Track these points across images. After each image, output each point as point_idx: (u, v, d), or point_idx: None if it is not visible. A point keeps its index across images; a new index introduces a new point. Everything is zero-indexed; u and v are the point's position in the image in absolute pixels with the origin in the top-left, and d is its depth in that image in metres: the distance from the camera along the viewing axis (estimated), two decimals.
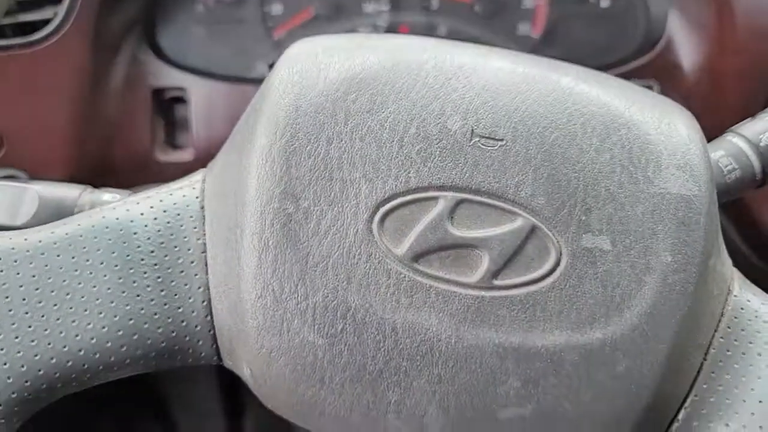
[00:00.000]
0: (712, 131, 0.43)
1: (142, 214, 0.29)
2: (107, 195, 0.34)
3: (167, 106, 0.75)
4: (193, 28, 0.76)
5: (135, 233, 0.28)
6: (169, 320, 0.28)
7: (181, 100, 0.73)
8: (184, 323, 0.28)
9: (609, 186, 0.28)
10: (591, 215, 0.27)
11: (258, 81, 0.75)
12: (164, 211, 0.29)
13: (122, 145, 0.71)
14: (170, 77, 0.72)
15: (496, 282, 0.27)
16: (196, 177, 0.32)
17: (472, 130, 0.27)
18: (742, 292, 0.30)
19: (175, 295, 0.28)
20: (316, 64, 0.29)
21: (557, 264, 0.27)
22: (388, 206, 0.27)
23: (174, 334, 0.28)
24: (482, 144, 0.28)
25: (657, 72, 0.77)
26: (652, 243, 0.27)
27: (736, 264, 0.32)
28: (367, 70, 0.28)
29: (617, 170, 0.28)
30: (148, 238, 0.28)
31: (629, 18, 0.82)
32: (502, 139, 0.27)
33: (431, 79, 0.28)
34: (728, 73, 0.73)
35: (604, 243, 0.27)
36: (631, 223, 0.28)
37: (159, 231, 0.29)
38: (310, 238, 0.27)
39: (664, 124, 0.29)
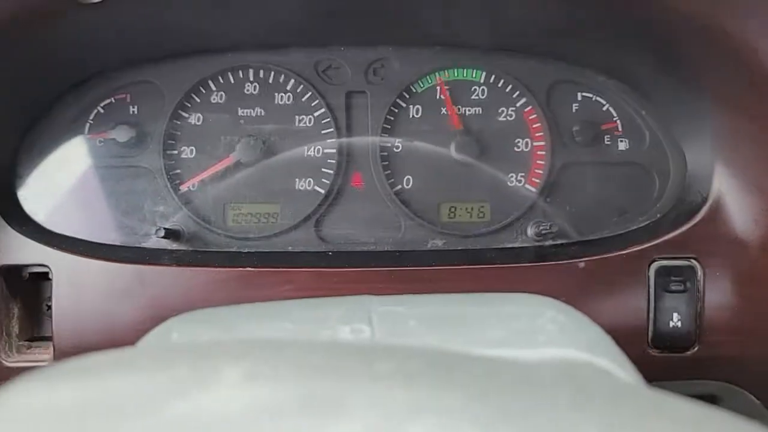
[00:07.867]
0: None
1: None
2: None
3: (25, 288, 0.59)
4: (64, 188, 0.63)
5: None
6: None
7: (44, 276, 0.58)
8: None
9: None
10: None
11: (145, 253, 0.61)
12: None
13: None
14: (29, 251, 0.57)
15: None
16: None
17: None
18: None
19: None
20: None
21: None
22: None
23: None
24: None
25: (698, 247, 0.54)
26: None
27: None
28: None
29: None
30: None
31: (657, 172, 0.62)
32: None
33: None
34: None
35: None
36: None
37: None
38: None
39: None
